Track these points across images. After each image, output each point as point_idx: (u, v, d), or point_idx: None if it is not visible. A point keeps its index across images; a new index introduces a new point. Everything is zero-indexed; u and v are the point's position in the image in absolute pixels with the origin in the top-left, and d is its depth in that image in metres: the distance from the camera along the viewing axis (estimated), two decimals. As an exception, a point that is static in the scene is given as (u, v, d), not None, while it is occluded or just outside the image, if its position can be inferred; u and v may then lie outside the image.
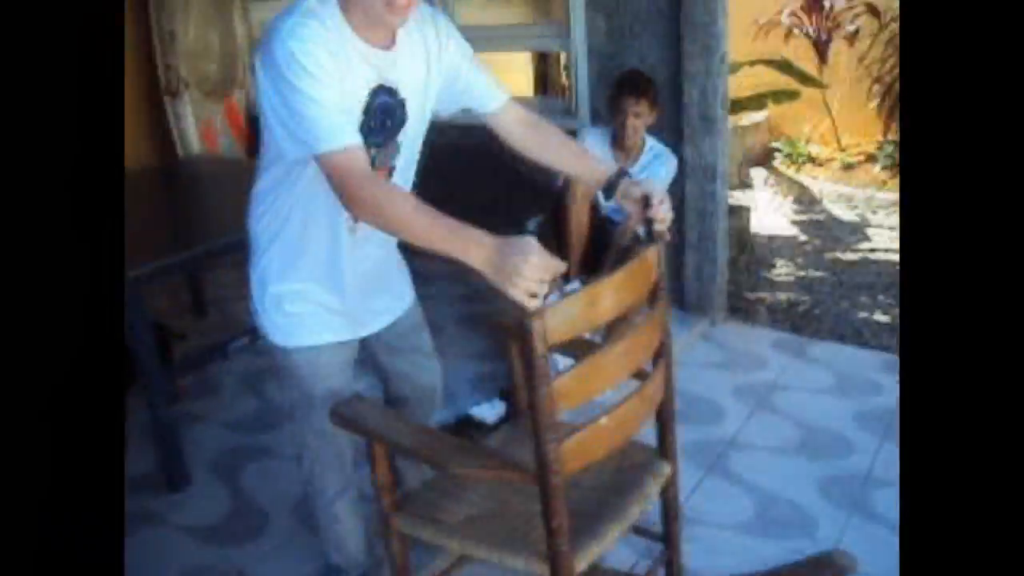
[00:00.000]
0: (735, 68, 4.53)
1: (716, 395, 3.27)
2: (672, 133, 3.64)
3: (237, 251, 4.17)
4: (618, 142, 3.44)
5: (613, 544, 1.78)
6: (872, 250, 5.17)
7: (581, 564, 1.66)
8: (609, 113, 3.49)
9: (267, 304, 1.92)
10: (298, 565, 2.40)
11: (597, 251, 3.41)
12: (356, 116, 1.70)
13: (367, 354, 2.12)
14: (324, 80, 1.58)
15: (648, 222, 1.74)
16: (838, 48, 6.49)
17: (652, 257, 1.74)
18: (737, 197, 5.96)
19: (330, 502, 2.08)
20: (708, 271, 3.85)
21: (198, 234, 3.08)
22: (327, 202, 1.73)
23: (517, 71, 6.13)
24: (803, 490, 2.65)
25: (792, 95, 4.88)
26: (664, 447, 1.97)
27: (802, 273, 4.81)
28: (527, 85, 6.18)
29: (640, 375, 1.81)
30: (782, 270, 4.88)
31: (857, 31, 6.33)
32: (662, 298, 1.79)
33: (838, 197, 6.09)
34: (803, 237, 5.51)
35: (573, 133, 3.49)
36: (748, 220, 5.37)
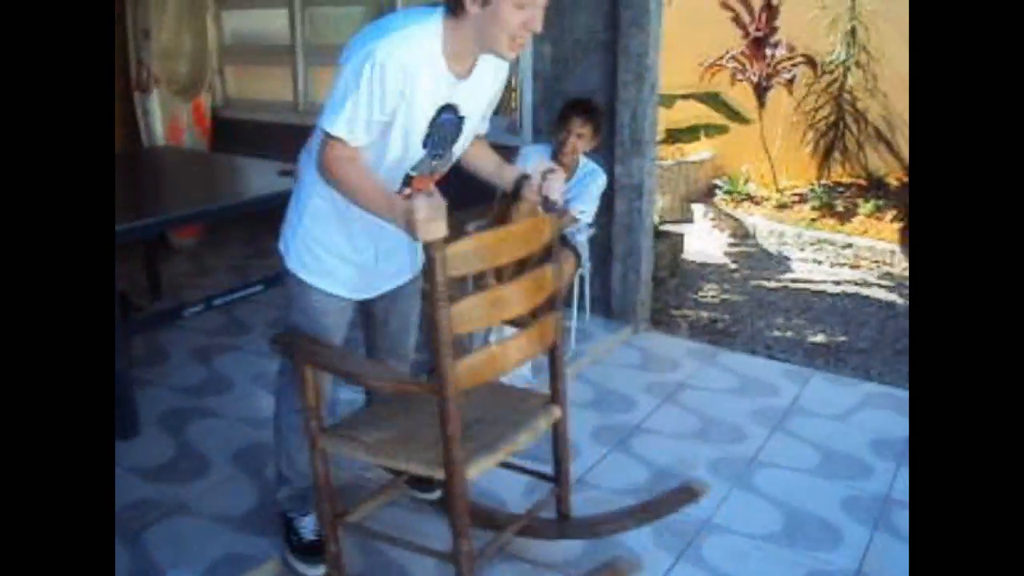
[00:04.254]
0: (671, 101, 4.90)
1: (629, 390, 3.58)
2: (604, 153, 3.98)
3: (194, 222, 4.44)
4: (556, 158, 3.75)
5: (499, 462, 2.10)
6: (794, 280, 5.56)
7: (472, 472, 1.97)
8: (554, 129, 3.78)
9: (301, 238, 2.21)
10: (235, 502, 2.66)
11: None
12: (421, 131, 2.02)
13: (364, 304, 2.39)
14: (380, 93, 1.90)
15: (544, 199, 2.14)
16: (778, 94, 6.93)
17: (544, 220, 2.14)
18: (677, 227, 6.34)
19: (292, 412, 2.29)
20: (632, 282, 4.18)
21: (159, 210, 3.36)
22: (384, 179, 2.06)
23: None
24: (695, 467, 2.96)
25: (722, 128, 5.27)
26: (554, 392, 2.29)
27: (726, 296, 5.17)
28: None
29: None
30: (708, 292, 5.24)
31: (794, 79, 6.78)
32: (556, 258, 2.16)
33: (770, 233, 6.48)
34: (733, 266, 5.89)
35: (516, 149, 3.84)
36: (681, 246, 5.75)
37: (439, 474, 1.94)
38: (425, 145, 2.07)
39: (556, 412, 2.25)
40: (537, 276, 2.11)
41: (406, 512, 2.63)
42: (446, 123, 2.08)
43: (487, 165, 2.32)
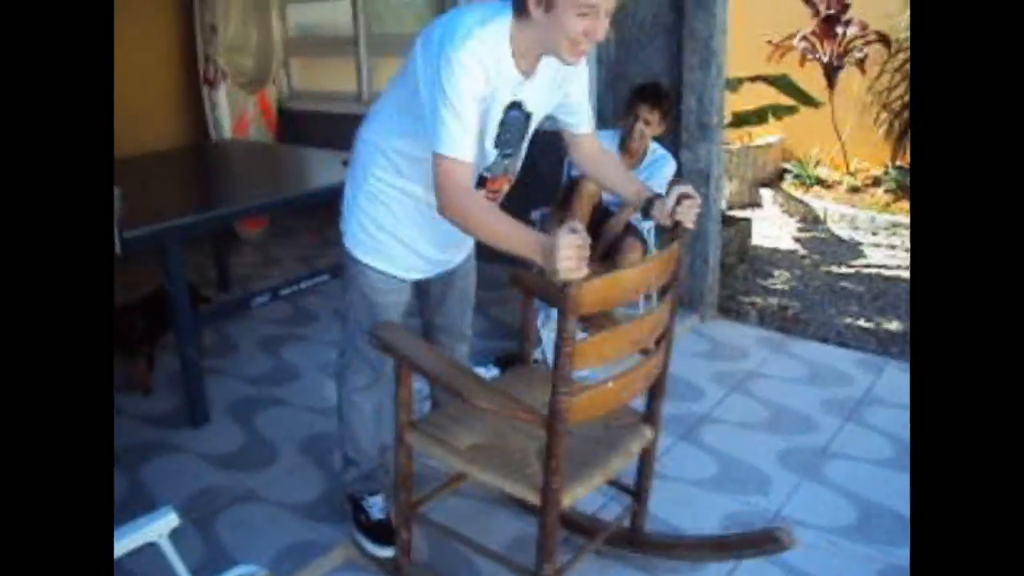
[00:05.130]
0: (738, 84, 4.79)
1: (697, 378, 3.52)
2: (671, 138, 3.91)
3: (261, 213, 4.53)
4: (624, 144, 3.71)
5: (594, 489, 2.06)
6: (867, 266, 5.39)
7: (567, 501, 1.93)
8: (623, 114, 3.73)
9: (359, 218, 2.22)
10: (303, 490, 2.69)
11: (594, 239, 3.68)
12: (492, 131, 2.01)
13: (420, 284, 2.39)
14: (468, 94, 1.86)
15: (675, 223, 2.03)
16: (849, 74, 6.73)
17: (676, 251, 2.02)
18: (745, 213, 6.22)
19: (355, 391, 2.35)
20: (700, 269, 4.11)
21: (227, 203, 3.41)
22: None
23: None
24: (763, 457, 2.90)
25: (791, 110, 5.13)
26: (651, 415, 2.23)
27: (796, 283, 5.05)
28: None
29: (645, 351, 2.08)
30: (778, 279, 5.12)
31: (866, 58, 6.57)
32: (675, 288, 2.05)
33: (841, 218, 6.31)
34: (803, 252, 5.74)
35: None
36: (749, 232, 5.63)
37: (534, 499, 1.90)
38: (496, 145, 2.06)
39: (649, 434, 2.21)
40: (660, 312, 2.03)
41: (472, 501, 2.62)
42: (514, 121, 2.06)
43: (616, 179, 2.27)
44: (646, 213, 2.11)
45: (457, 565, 2.37)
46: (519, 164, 2.20)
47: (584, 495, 2.02)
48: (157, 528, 1.62)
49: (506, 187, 2.20)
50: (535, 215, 3.87)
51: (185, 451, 2.92)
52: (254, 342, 3.86)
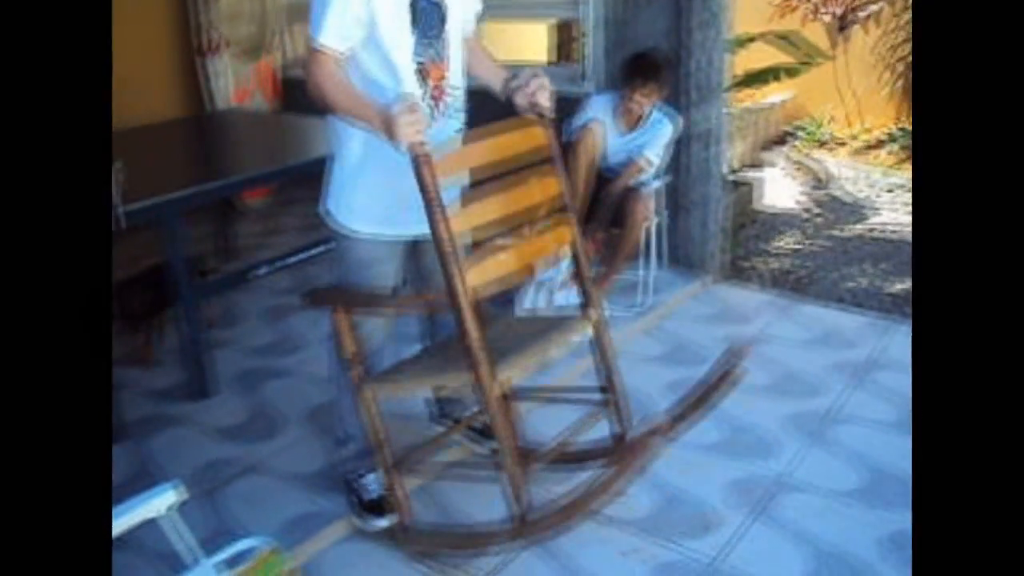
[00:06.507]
0: (744, 43, 4.72)
1: (703, 343, 3.51)
2: (673, 100, 3.86)
3: (263, 183, 4.50)
4: (622, 112, 3.67)
5: (533, 368, 2.17)
6: (874, 227, 5.35)
7: (498, 376, 1.98)
8: (620, 83, 3.69)
9: (339, 184, 2.25)
10: (308, 461, 2.70)
11: (594, 204, 3.66)
12: (405, 15, 2.11)
13: (413, 257, 2.40)
14: None
15: (533, 104, 2.18)
16: (856, 32, 6.63)
17: (534, 124, 2.18)
18: (752, 174, 6.16)
19: (346, 372, 2.33)
20: (706, 232, 4.07)
21: (228, 173, 3.39)
22: (402, 74, 2.13)
23: (537, 40, 6.30)
24: (769, 421, 2.89)
25: (796, 71, 5.07)
26: (586, 301, 2.27)
27: (802, 245, 5.01)
28: (543, 52, 6.33)
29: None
30: (784, 241, 5.08)
31: (871, 16, 6.47)
32: (555, 162, 2.18)
33: (848, 179, 6.25)
34: (810, 214, 5.69)
35: (579, 101, 3.77)
36: (755, 194, 5.58)
37: (466, 380, 1.98)
38: (415, 30, 2.13)
39: (592, 315, 2.24)
40: (541, 178, 2.15)
41: (465, 469, 2.63)
42: (426, 9, 2.14)
43: (483, 71, 2.38)
44: (510, 101, 2.24)
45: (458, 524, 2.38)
46: (448, 54, 2.23)
47: (519, 375, 2.12)
48: (158, 504, 1.62)
49: (448, 77, 2.24)
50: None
51: (191, 424, 2.93)
52: (258, 313, 3.85)
